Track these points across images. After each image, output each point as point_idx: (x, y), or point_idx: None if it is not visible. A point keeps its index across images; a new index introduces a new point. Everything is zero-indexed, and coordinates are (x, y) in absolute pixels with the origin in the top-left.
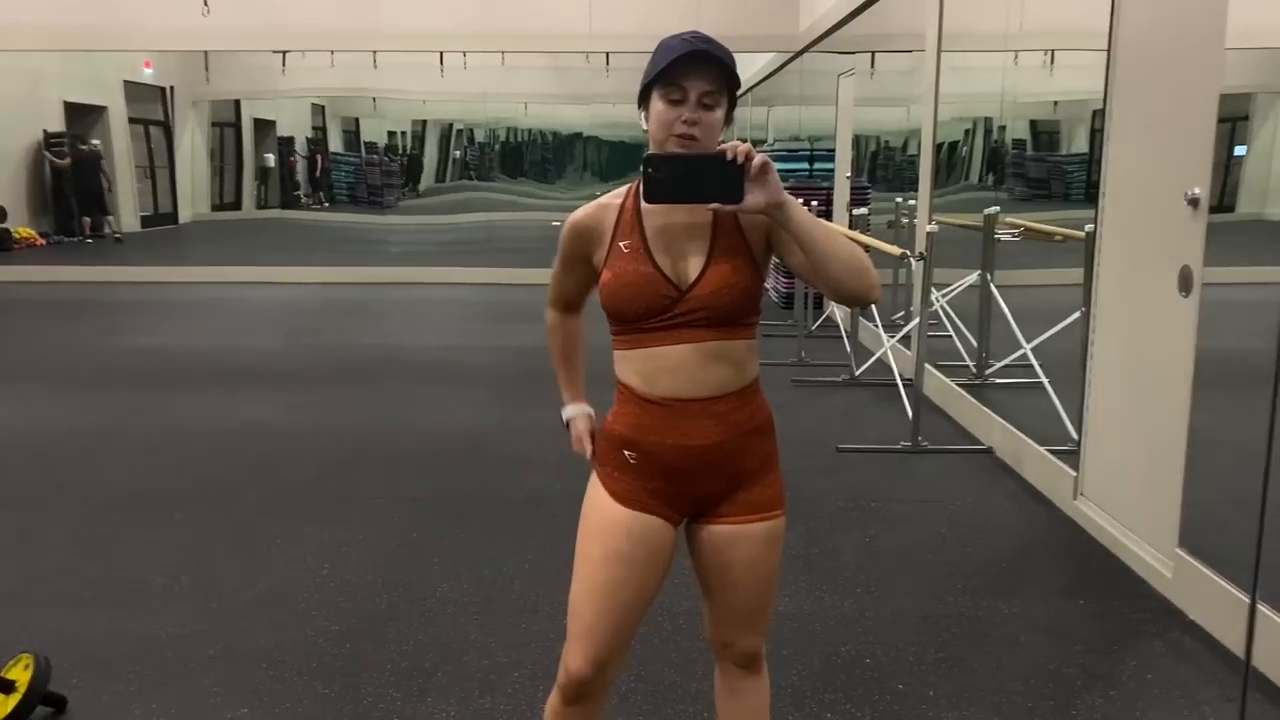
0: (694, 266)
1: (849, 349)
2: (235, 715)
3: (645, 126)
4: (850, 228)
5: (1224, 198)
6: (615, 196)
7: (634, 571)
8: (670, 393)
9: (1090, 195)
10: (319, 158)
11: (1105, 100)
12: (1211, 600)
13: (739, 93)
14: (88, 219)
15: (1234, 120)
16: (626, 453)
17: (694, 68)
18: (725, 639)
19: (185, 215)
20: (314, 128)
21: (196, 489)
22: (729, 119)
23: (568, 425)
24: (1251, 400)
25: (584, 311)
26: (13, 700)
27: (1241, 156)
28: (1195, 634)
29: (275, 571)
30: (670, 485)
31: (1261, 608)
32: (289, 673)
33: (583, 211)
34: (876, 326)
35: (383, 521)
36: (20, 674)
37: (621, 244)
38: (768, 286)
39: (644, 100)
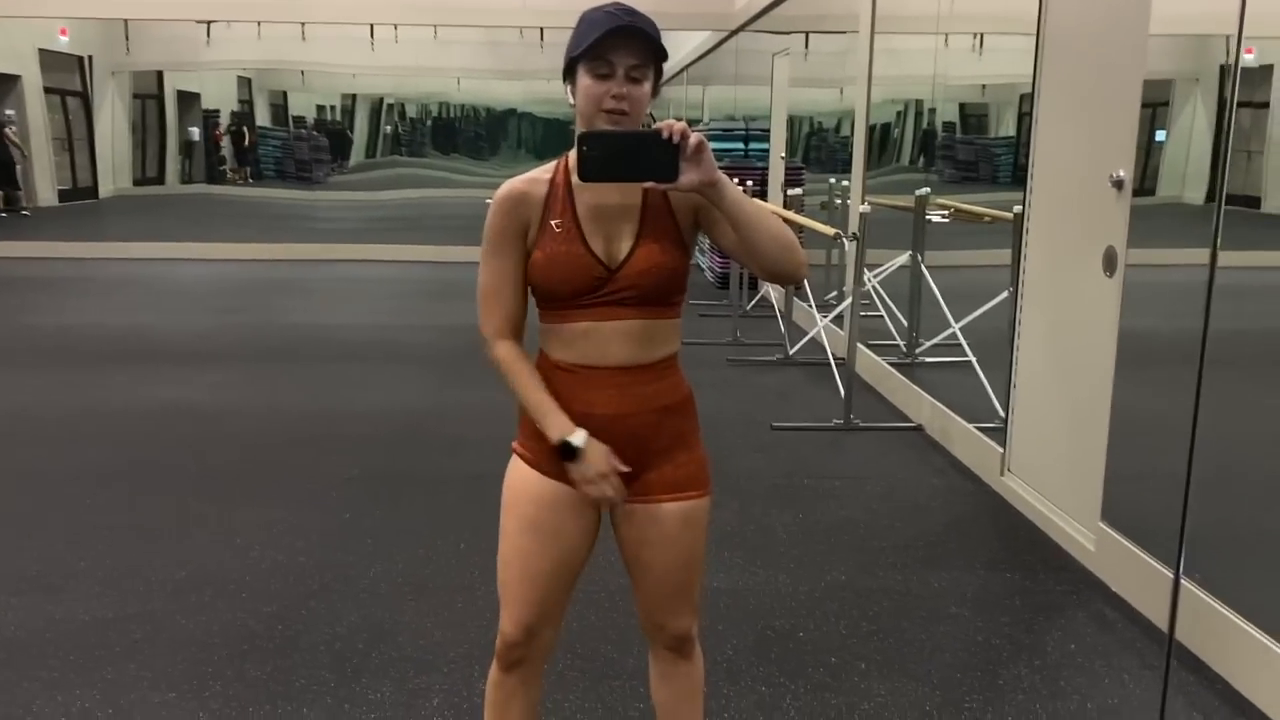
0: (624, 247)
1: (783, 328)
2: (163, 700)
3: (571, 101)
4: (785, 208)
5: (1144, 181)
6: (544, 172)
7: (548, 539)
8: (578, 360)
9: (1017, 178)
10: (245, 130)
11: (1034, 84)
12: (1132, 572)
13: (666, 70)
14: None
15: (1154, 106)
16: None
17: (620, 41)
18: (654, 621)
19: (106, 189)
20: (240, 101)
21: (121, 470)
22: (656, 92)
23: (574, 454)
24: (1170, 378)
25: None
26: None
27: (1162, 142)
28: (1117, 605)
29: (204, 553)
30: None
31: (1184, 581)
32: (219, 656)
33: (511, 184)
34: (810, 306)
35: (315, 502)
36: None
37: (553, 223)
38: (703, 266)
39: (569, 75)
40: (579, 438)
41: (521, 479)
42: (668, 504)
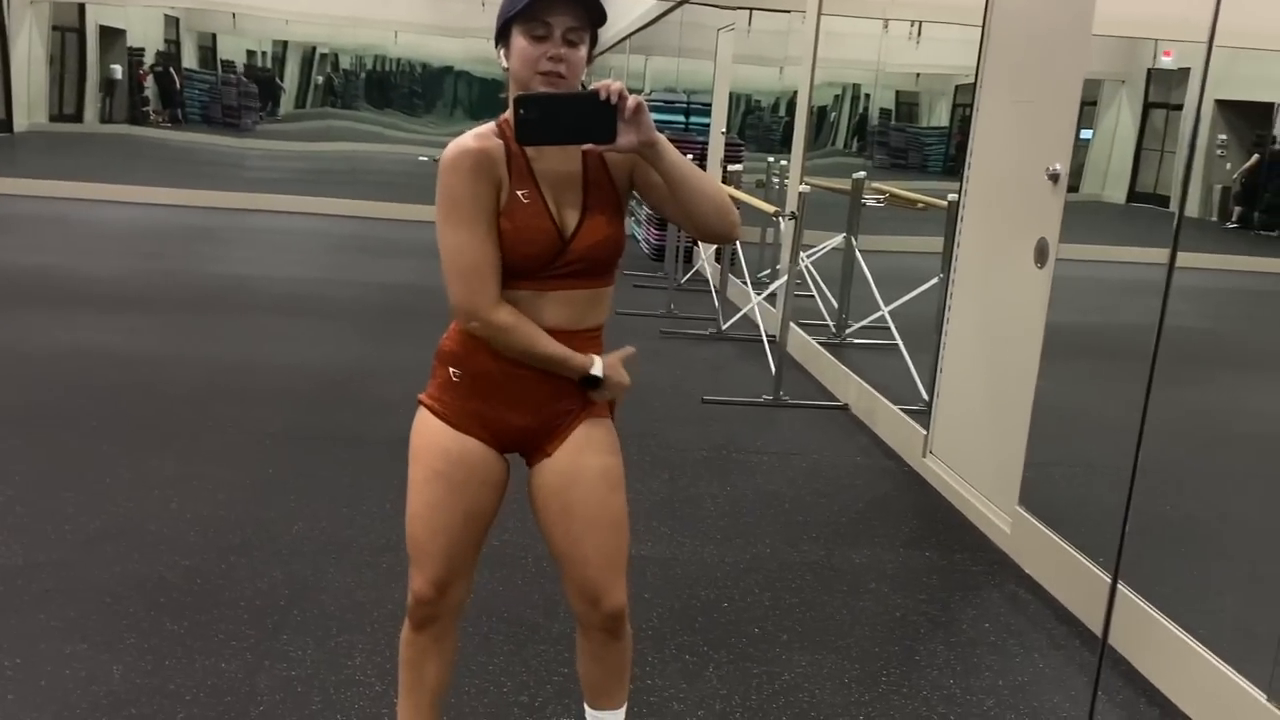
0: (572, 216)
1: (717, 304)
2: (74, 650)
3: (505, 64)
4: (724, 184)
5: (1070, 178)
6: (490, 132)
7: (455, 492)
8: None
9: (947, 169)
10: (172, 72)
11: (977, 73)
12: (1045, 555)
13: (608, 38)
14: None
15: (1083, 104)
16: (451, 369)
17: (558, 3)
18: (587, 596)
19: (21, 124)
20: (167, 40)
21: (31, 414)
22: (592, 58)
23: (598, 383)
24: (1088, 371)
25: None
26: None
27: (1088, 140)
28: (1030, 587)
29: (119, 503)
30: (489, 409)
31: (1091, 566)
32: (134, 608)
33: (465, 145)
34: (744, 283)
35: (236, 457)
36: None
37: (519, 193)
38: (639, 238)
39: (502, 37)
40: (598, 368)
41: (430, 431)
42: (590, 459)
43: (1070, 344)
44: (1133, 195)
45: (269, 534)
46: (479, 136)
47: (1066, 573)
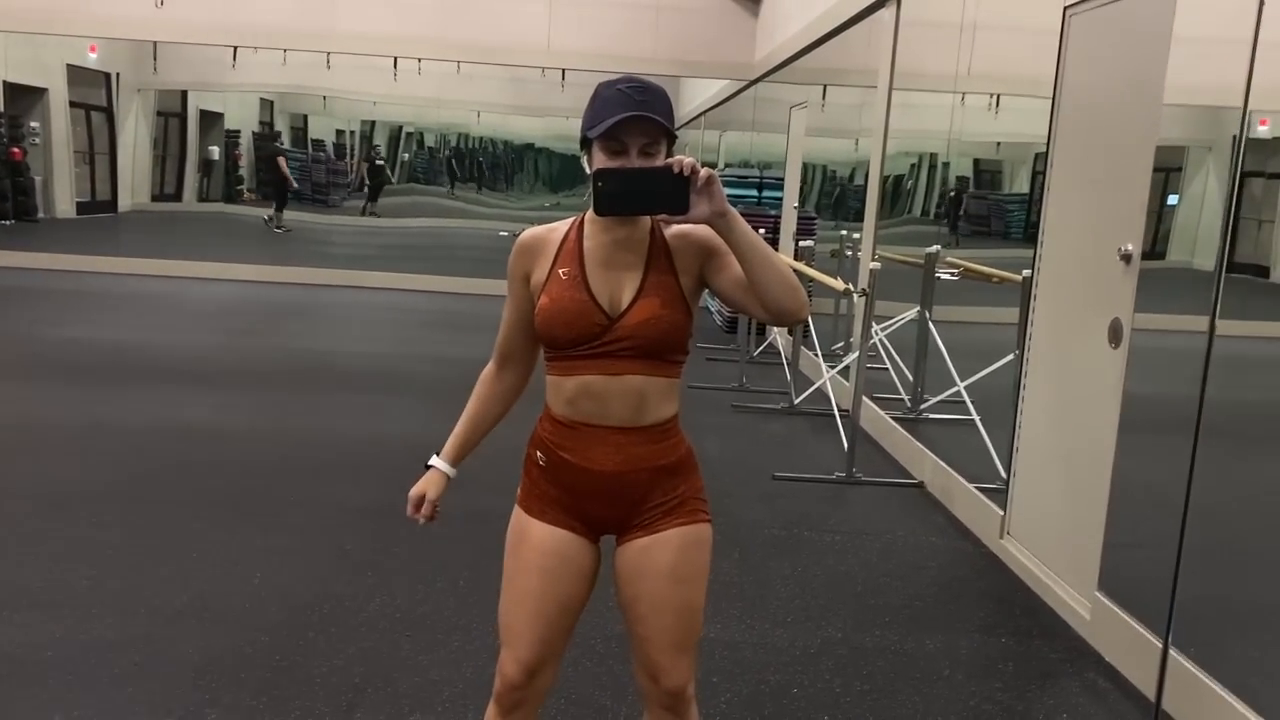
0: (626, 297)
1: (789, 377)
2: None
3: (589, 170)
4: (795, 258)
5: (1155, 244)
6: (563, 224)
7: (550, 582)
8: (582, 417)
9: (1029, 235)
10: (380, 160)
11: (1048, 151)
12: (1126, 643)
13: (685, 115)
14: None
15: (1168, 170)
16: (538, 454)
17: (631, 125)
18: (650, 673)
19: (125, 203)
20: (261, 122)
21: (124, 489)
22: (669, 156)
23: (425, 468)
24: (1172, 446)
25: (525, 383)
26: None
27: (1174, 206)
28: (1109, 675)
29: (205, 578)
30: (572, 500)
31: (1172, 652)
32: (216, 683)
33: (530, 231)
34: (816, 356)
35: (316, 530)
36: None
37: (560, 271)
38: (712, 310)
39: (585, 144)
40: (435, 460)
41: (524, 526)
42: (665, 531)
43: (1153, 419)
44: (1230, 265)
45: (346, 609)
46: (549, 228)
47: (1149, 662)
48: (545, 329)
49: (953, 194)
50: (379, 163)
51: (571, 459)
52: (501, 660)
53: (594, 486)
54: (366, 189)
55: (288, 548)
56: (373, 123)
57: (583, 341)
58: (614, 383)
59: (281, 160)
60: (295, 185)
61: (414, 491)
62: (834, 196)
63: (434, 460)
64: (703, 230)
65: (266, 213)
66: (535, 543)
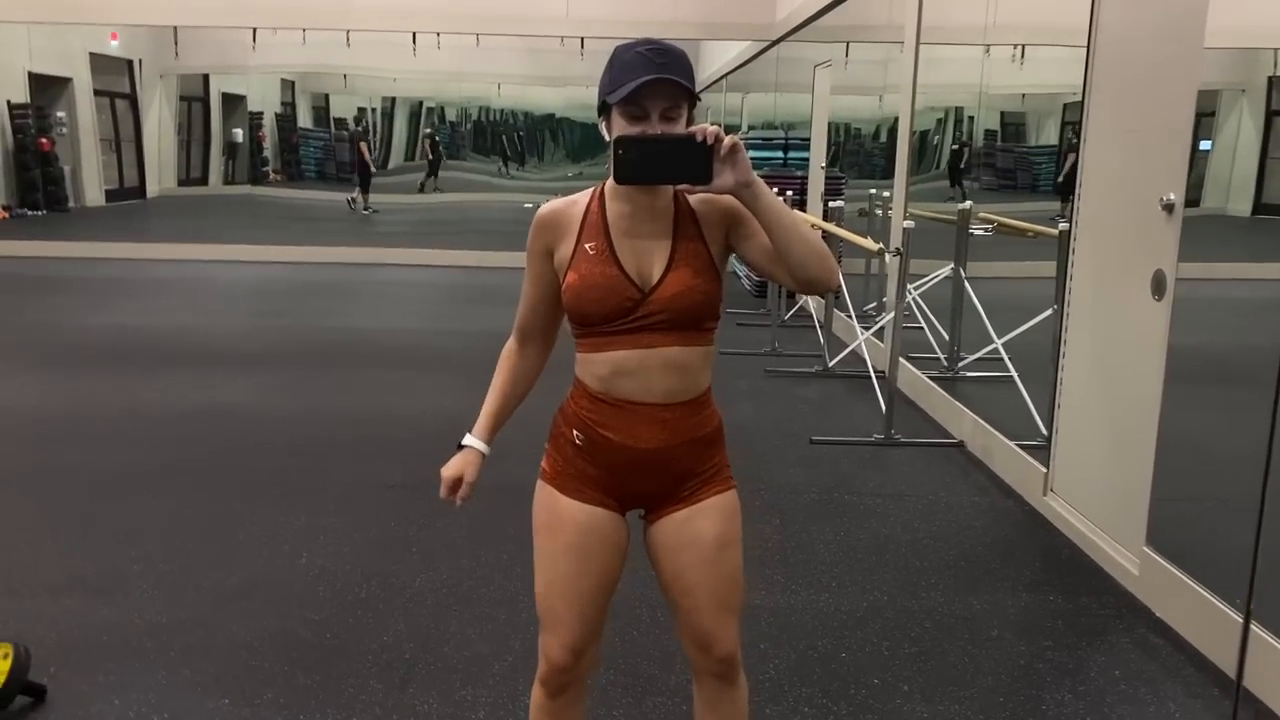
0: (656, 270)
1: (822, 340)
2: (217, 706)
3: (608, 137)
4: (824, 219)
5: (1189, 192)
6: (583, 195)
7: (589, 561)
8: (624, 395)
9: (1056, 188)
10: (436, 139)
11: (1083, 101)
12: (1177, 598)
13: (706, 78)
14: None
15: (1200, 115)
16: (575, 433)
17: (652, 88)
18: (698, 643)
19: (153, 189)
20: (283, 103)
21: (169, 473)
22: (690, 121)
23: (457, 448)
24: (1216, 397)
25: (547, 358)
26: None
27: (1207, 151)
28: (1160, 630)
29: (252, 559)
30: (611, 478)
31: (1226, 609)
32: (269, 663)
33: (549, 205)
34: (849, 318)
35: (359, 508)
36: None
37: (587, 245)
38: (740, 275)
39: (604, 111)
40: (469, 439)
41: (556, 504)
42: (704, 501)
43: (1198, 369)
44: (1258, 208)
45: (393, 587)
46: (568, 201)
47: (1202, 616)
48: (575, 306)
49: (980, 147)
50: (437, 139)
51: (615, 438)
52: (545, 644)
53: (638, 464)
54: (428, 164)
55: (331, 527)
56: (393, 99)
57: (615, 317)
58: (650, 356)
59: (363, 145)
60: (375, 170)
61: (447, 472)
62: (858, 153)
63: (468, 439)
64: (728, 196)
65: (350, 195)
66: (571, 522)
